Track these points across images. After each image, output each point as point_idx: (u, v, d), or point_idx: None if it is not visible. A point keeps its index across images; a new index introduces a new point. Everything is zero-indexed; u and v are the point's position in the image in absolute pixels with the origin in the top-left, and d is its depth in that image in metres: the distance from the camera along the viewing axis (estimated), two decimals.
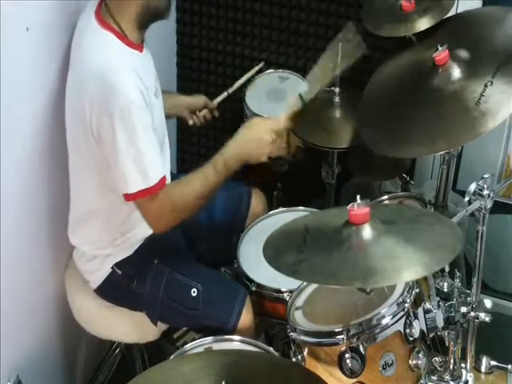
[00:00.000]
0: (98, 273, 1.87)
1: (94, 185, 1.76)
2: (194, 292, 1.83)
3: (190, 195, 1.72)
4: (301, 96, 1.83)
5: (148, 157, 1.65)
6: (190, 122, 2.23)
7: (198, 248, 2.05)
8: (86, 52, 1.67)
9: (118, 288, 1.87)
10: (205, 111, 2.24)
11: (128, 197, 1.68)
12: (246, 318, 1.83)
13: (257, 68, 2.46)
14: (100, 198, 1.77)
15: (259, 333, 1.99)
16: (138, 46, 1.73)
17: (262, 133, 1.75)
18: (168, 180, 1.90)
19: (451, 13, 1.93)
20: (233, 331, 1.81)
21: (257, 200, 2.17)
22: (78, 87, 1.67)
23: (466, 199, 1.51)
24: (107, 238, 1.83)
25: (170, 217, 1.72)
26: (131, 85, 1.62)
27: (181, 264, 1.89)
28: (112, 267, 1.85)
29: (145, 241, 1.86)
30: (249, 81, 2.42)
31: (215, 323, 1.83)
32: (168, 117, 1.95)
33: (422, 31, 1.89)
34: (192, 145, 2.93)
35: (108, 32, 1.66)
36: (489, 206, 1.51)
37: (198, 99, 2.23)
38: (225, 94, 2.34)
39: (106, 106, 1.59)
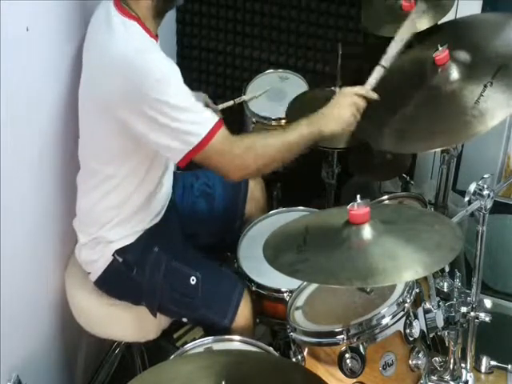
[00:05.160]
0: (99, 262, 1.87)
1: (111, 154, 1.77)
2: (192, 280, 1.84)
3: (258, 143, 1.72)
4: (383, 66, 1.84)
5: (195, 108, 1.66)
6: None
7: (200, 237, 2.06)
8: (110, 38, 1.66)
9: (118, 278, 1.87)
10: None
11: (192, 151, 1.65)
12: (244, 308, 1.84)
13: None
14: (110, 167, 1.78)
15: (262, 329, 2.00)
16: (155, 36, 1.75)
17: (346, 98, 1.79)
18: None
19: (451, 15, 1.93)
20: (230, 323, 1.82)
21: (254, 183, 2.18)
22: (100, 76, 1.67)
23: (466, 199, 1.51)
24: (111, 215, 1.83)
25: (239, 160, 1.70)
26: (159, 59, 1.63)
27: (180, 252, 1.90)
28: (113, 255, 1.85)
29: (146, 229, 1.88)
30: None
31: (213, 314, 1.84)
32: None
33: (422, 33, 1.89)
34: None
35: (129, 19, 1.67)
36: (489, 206, 1.51)
37: (199, 94, 2.21)
38: (230, 103, 2.31)
39: (140, 90, 1.59)
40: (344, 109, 1.78)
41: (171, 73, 1.64)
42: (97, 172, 1.81)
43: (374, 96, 1.82)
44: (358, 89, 1.82)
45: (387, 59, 1.84)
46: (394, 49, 1.85)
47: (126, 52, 1.62)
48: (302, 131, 1.74)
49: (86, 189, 1.86)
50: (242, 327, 1.82)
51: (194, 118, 1.66)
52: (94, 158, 1.81)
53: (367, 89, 1.82)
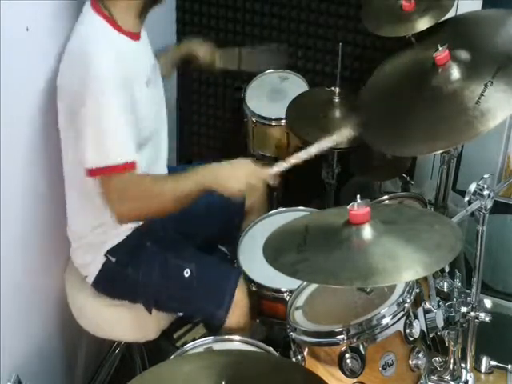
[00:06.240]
0: (93, 264, 1.87)
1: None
2: (186, 273, 1.84)
3: (155, 190, 1.70)
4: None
5: (114, 136, 1.65)
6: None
7: (198, 236, 2.06)
8: (75, 32, 1.70)
9: (114, 277, 1.88)
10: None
11: (89, 172, 1.67)
12: (239, 296, 1.84)
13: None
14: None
15: (260, 330, 2.00)
16: (132, 33, 1.75)
17: (245, 172, 1.71)
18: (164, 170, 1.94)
19: (451, 14, 1.93)
20: (226, 313, 1.82)
21: None
22: (67, 68, 1.70)
23: (466, 199, 1.51)
24: (102, 219, 1.82)
25: (131, 205, 1.68)
26: (110, 62, 1.63)
27: (173, 246, 1.91)
28: (105, 255, 1.85)
29: (137, 226, 1.87)
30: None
31: (208, 305, 1.84)
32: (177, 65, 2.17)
33: (422, 33, 1.89)
34: (192, 145, 2.93)
35: (97, 15, 1.69)
36: (489, 206, 1.51)
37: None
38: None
39: (84, 80, 1.61)
40: (236, 181, 1.69)
41: (115, 80, 1.63)
42: (76, 176, 1.78)
43: (274, 183, 1.76)
44: (264, 173, 1.73)
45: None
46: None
47: (80, 45, 1.65)
48: (195, 185, 1.69)
49: (70, 195, 1.85)
50: (237, 317, 1.83)
51: (120, 138, 1.65)
52: (68, 161, 1.80)
53: (272, 175, 1.74)
